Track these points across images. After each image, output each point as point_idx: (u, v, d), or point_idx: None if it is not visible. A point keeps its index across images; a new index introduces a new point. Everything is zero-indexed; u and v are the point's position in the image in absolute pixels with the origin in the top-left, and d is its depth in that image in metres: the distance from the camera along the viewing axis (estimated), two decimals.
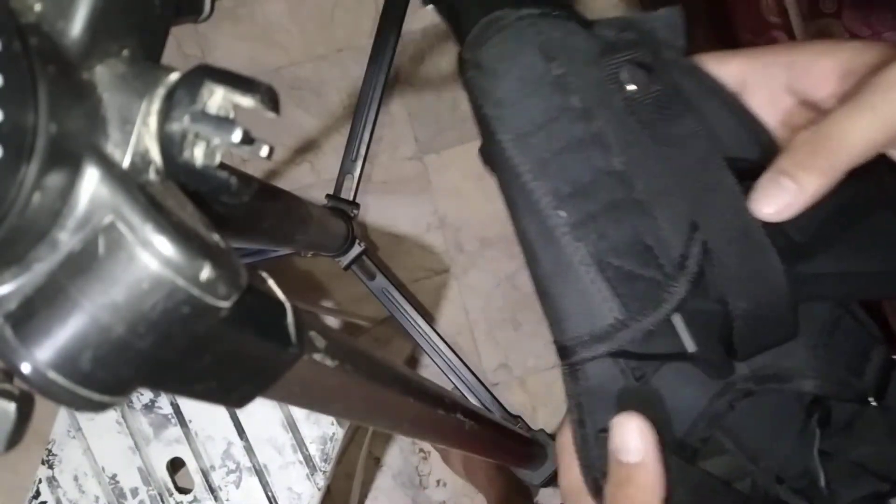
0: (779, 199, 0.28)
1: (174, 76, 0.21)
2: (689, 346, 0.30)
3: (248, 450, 0.75)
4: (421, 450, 1.25)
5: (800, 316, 0.31)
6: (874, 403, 0.33)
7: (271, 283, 0.25)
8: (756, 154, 0.31)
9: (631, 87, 0.30)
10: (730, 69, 0.32)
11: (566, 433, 0.32)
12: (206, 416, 0.76)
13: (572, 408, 0.31)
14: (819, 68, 0.30)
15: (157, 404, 0.77)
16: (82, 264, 0.18)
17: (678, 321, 0.30)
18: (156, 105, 0.21)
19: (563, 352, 0.30)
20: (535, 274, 0.31)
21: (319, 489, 0.74)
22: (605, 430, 0.30)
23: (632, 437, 0.28)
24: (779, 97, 0.32)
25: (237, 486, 0.75)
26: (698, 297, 0.29)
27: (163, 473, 0.77)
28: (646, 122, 0.30)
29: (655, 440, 0.28)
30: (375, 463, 1.25)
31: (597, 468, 0.30)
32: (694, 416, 0.31)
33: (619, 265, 0.29)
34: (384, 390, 0.37)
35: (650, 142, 0.30)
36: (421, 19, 1.24)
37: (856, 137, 0.27)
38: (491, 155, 0.31)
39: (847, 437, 0.33)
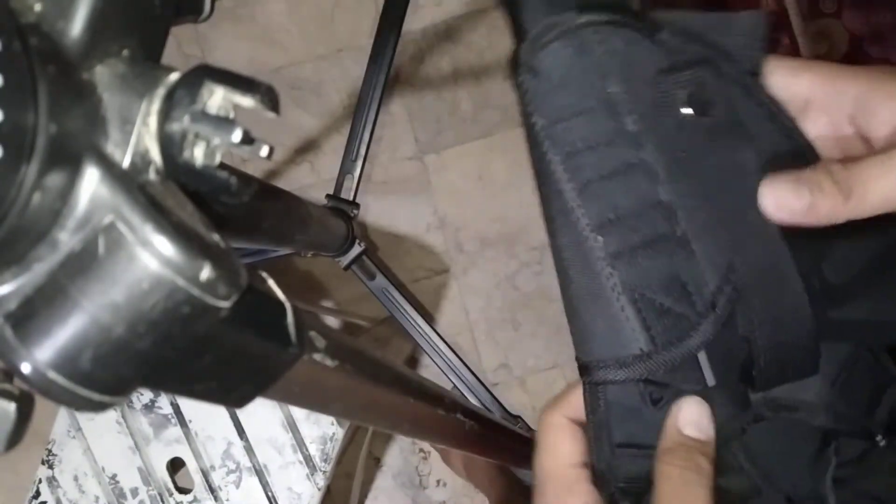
0: (788, 202, 0.29)
1: (174, 76, 0.21)
2: (710, 380, 0.30)
3: (248, 450, 0.75)
4: (421, 450, 1.25)
5: (822, 351, 0.32)
6: (882, 443, 0.33)
7: (271, 283, 0.25)
8: None
9: (687, 111, 0.30)
10: (798, 83, 0.31)
11: (553, 414, 0.33)
12: (206, 416, 0.76)
13: (590, 423, 0.31)
14: (886, 111, 0.29)
15: (157, 404, 0.77)
16: (82, 264, 0.18)
17: (702, 357, 0.30)
18: (156, 105, 0.21)
19: (585, 370, 0.31)
20: (566, 292, 0.31)
21: (319, 489, 0.74)
22: (622, 446, 0.31)
23: (703, 417, 0.30)
24: (840, 125, 0.31)
25: (237, 486, 0.75)
26: (725, 332, 0.30)
27: (163, 473, 0.77)
28: (697, 151, 0.30)
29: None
30: (375, 463, 1.25)
31: (614, 478, 0.31)
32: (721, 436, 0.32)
33: (651, 298, 0.29)
34: (384, 390, 0.37)
35: (698, 173, 0.30)
36: (421, 19, 1.24)
37: (876, 193, 0.28)
38: (535, 165, 0.31)
39: (859, 468, 0.34)
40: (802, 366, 0.31)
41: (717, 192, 0.30)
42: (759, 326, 0.30)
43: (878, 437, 0.33)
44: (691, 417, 0.30)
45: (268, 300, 0.25)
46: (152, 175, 0.21)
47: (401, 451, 1.25)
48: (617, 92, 0.29)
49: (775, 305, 0.30)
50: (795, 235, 0.30)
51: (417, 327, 1.08)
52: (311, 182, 1.26)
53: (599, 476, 0.32)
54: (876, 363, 0.33)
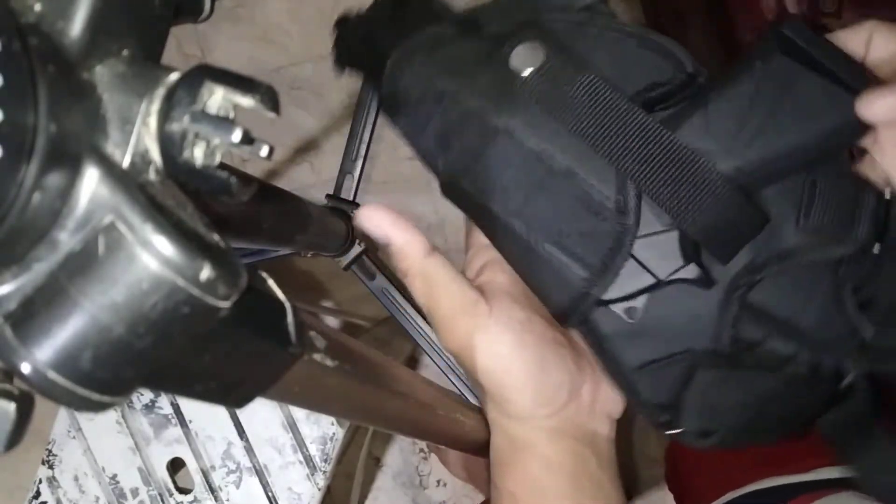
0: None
1: (174, 76, 0.21)
2: (660, 273, 0.32)
3: (248, 450, 0.75)
4: (421, 450, 1.25)
5: (771, 197, 0.32)
6: (877, 250, 0.33)
7: (271, 283, 0.25)
8: (678, 74, 0.33)
9: (525, 72, 0.33)
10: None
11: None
12: (206, 416, 0.76)
13: (600, 359, 0.35)
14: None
15: (157, 404, 0.77)
16: (82, 264, 0.18)
17: (641, 253, 0.32)
18: (156, 105, 0.21)
19: (560, 320, 0.34)
20: (517, 269, 0.35)
21: (319, 489, 0.74)
22: (644, 366, 0.34)
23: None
24: None
25: (237, 486, 0.75)
26: (651, 228, 0.32)
27: (163, 473, 0.77)
28: (547, 98, 0.33)
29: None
30: (375, 463, 1.25)
31: (649, 401, 0.34)
32: (713, 326, 0.33)
33: (569, 231, 0.33)
34: (384, 390, 0.37)
35: (553, 116, 0.32)
36: None
37: None
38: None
39: (874, 283, 0.34)
40: (744, 222, 0.32)
41: (578, 120, 0.32)
42: (676, 209, 0.31)
43: (874, 248, 0.33)
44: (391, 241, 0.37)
45: (268, 300, 0.25)
46: (152, 175, 0.21)
47: (401, 451, 1.25)
48: (448, 88, 0.34)
49: (680, 185, 0.31)
50: None
51: (417, 327, 1.08)
52: (311, 182, 1.26)
53: (635, 399, 0.34)
54: (837, 179, 0.33)
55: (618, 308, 0.33)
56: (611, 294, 0.32)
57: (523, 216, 0.33)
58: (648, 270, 0.32)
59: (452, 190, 0.36)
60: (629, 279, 0.32)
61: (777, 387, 0.33)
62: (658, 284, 0.32)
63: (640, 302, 0.33)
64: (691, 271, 0.32)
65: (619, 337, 0.33)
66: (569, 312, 0.33)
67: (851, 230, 0.32)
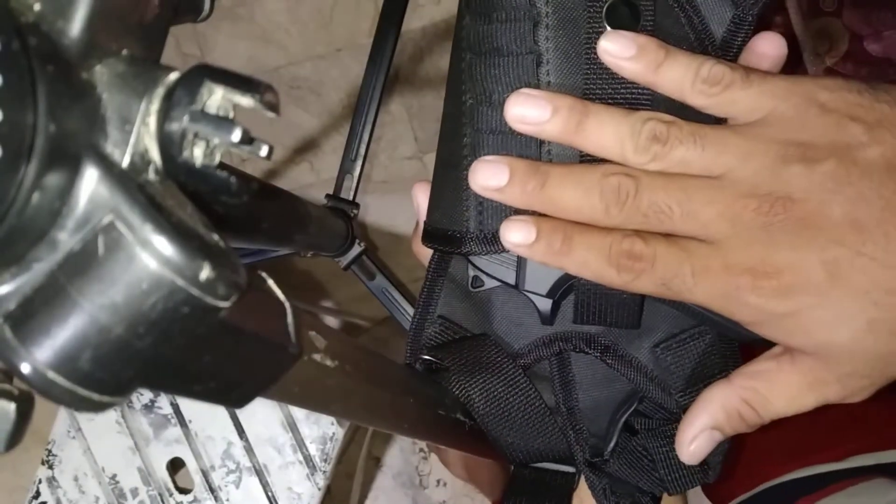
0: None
1: (174, 76, 0.21)
2: (512, 280, 0.35)
3: (248, 450, 0.75)
4: (421, 450, 1.25)
5: (653, 315, 0.35)
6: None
7: (271, 283, 0.25)
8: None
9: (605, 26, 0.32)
10: None
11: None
12: (206, 416, 0.76)
13: (423, 284, 0.38)
14: None
15: (157, 404, 0.77)
16: (82, 264, 0.18)
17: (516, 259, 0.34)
18: (155, 105, 0.21)
19: (426, 235, 0.36)
20: (437, 156, 0.35)
21: (319, 489, 0.74)
22: (441, 317, 0.38)
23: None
24: None
25: (237, 486, 0.75)
26: None
27: (163, 473, 0.77)
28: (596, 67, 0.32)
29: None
30: (375, 463, 1.25)
31: (422, 343, 0.39)
32: (531, 341, 0.37)
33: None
34: (384, 390, 0.37)
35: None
36: (421, 19, 1.24)
37: None
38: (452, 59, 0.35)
39: (649, 434, 0.37)
40: (622, 310, 0.33)
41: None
42: None
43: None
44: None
45: (268, 300, 0.25)
46: (152, 175, 0.21)
47: (401, 451, 1.25)
48: (543, 8, 0.32)
49: None
50: None
51: None
52: (311, 182, 1.26)
53: (412, 338, 0.38)
54: (711, 346, 0.35)
55: (471, 269, 0.37)
56: (473, 254, 0.35)
57: (484, 138, 0.33)
58: (516, 272, 0.35)
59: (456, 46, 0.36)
60: (497, 265, 0.35)
61: (532, 403, 0.39)
62: (507, 284, 0.35)
63: (488, 284, 0.36)
64: (547, 303, 0.35)
65: (452, 283, 0.38)
66: (434, 238, 0.36)
67: (688, 392, 0.36)
